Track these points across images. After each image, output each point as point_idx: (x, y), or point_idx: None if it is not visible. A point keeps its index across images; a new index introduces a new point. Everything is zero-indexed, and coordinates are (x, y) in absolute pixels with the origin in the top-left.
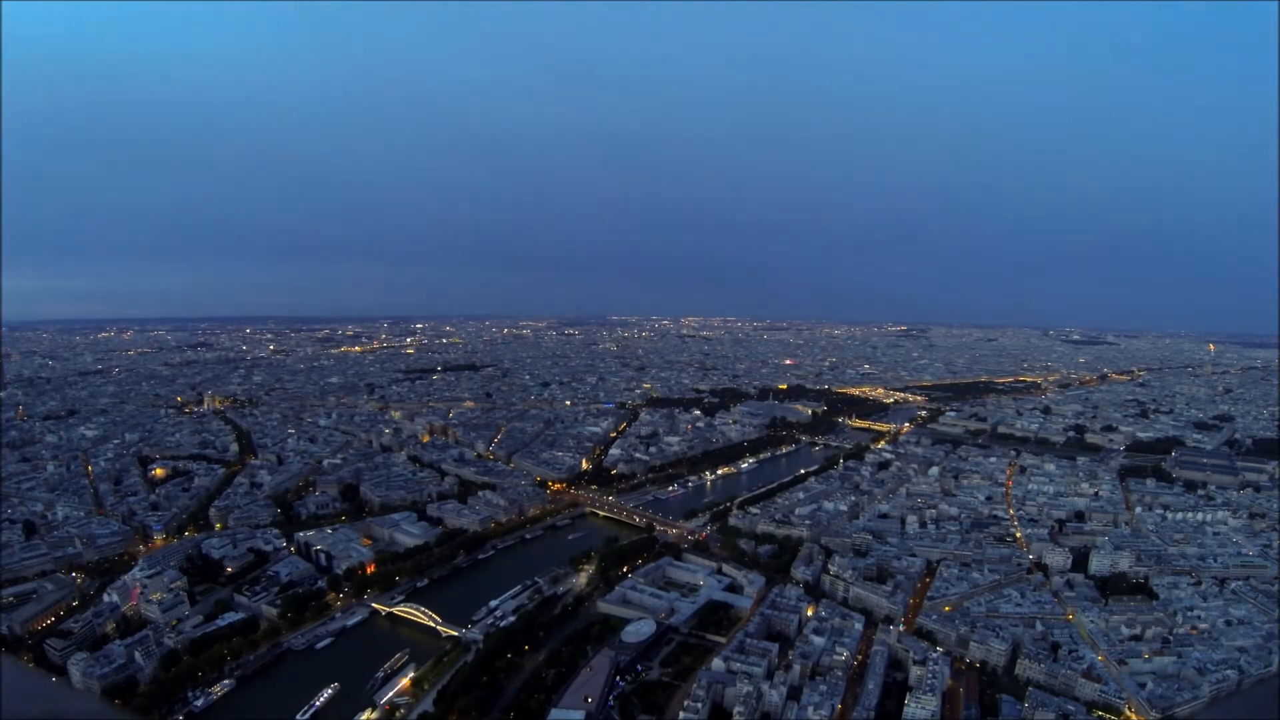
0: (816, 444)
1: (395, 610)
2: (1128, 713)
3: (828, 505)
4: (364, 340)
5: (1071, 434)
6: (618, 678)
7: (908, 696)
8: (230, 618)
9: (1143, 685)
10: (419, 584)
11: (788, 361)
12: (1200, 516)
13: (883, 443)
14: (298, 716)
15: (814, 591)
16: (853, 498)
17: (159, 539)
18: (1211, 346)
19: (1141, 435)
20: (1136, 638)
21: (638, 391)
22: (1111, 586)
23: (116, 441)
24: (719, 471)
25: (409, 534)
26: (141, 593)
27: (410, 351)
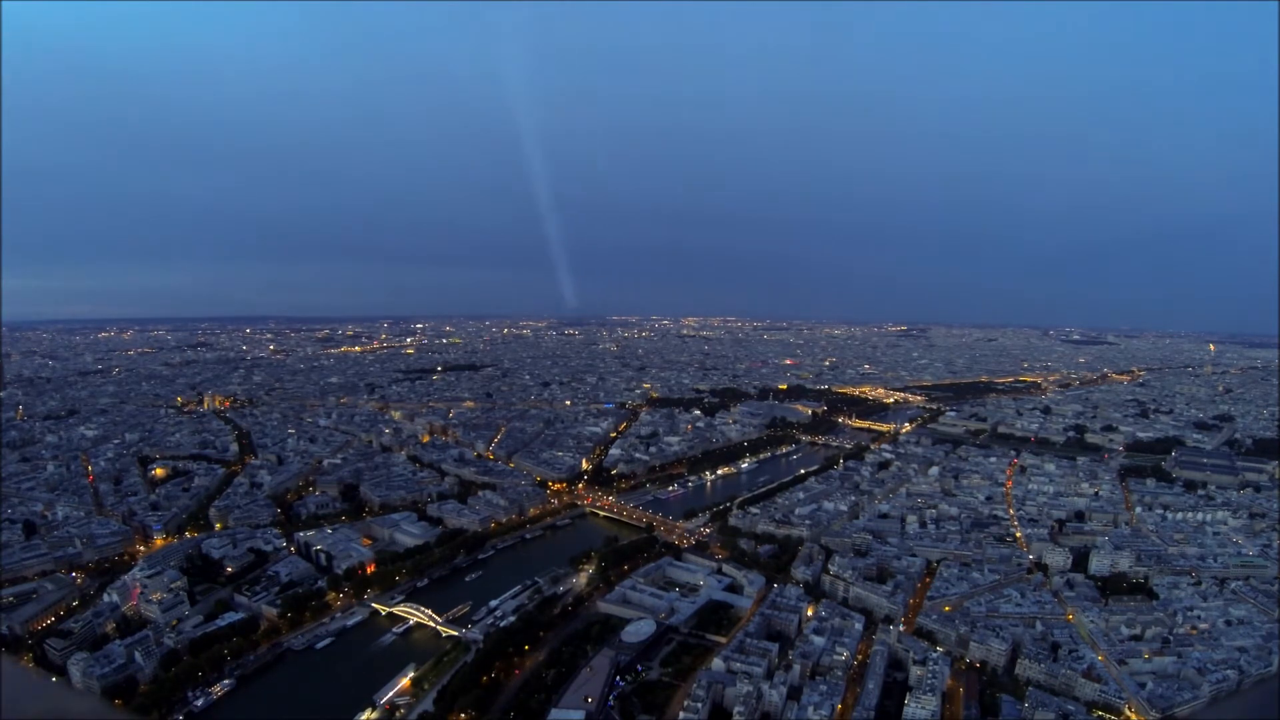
0: (816, 444)
1: (395, 610)
2: (1128, 713)
3: (828, 505)
4: (364, 340)
5: (1071, 434)
6: (618, 678)
7: (908, 696)
8: (230, 618)
9: (1143, 685)
10: (419, 584)
11: (788, 361)
12: (1200, 516)
13: (883, 443)
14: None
15: (814, 591)
16: (853, 498)
17: (159, 539)
18: (1211, 346)
19: (1141, 435)
20: (1136, 638)
21: (638, 391)
22: (1111, 586)
23: (116, 441)
24: (719, 471)
25: (409, 534)
26: (141, 593)
27: (410, 351)
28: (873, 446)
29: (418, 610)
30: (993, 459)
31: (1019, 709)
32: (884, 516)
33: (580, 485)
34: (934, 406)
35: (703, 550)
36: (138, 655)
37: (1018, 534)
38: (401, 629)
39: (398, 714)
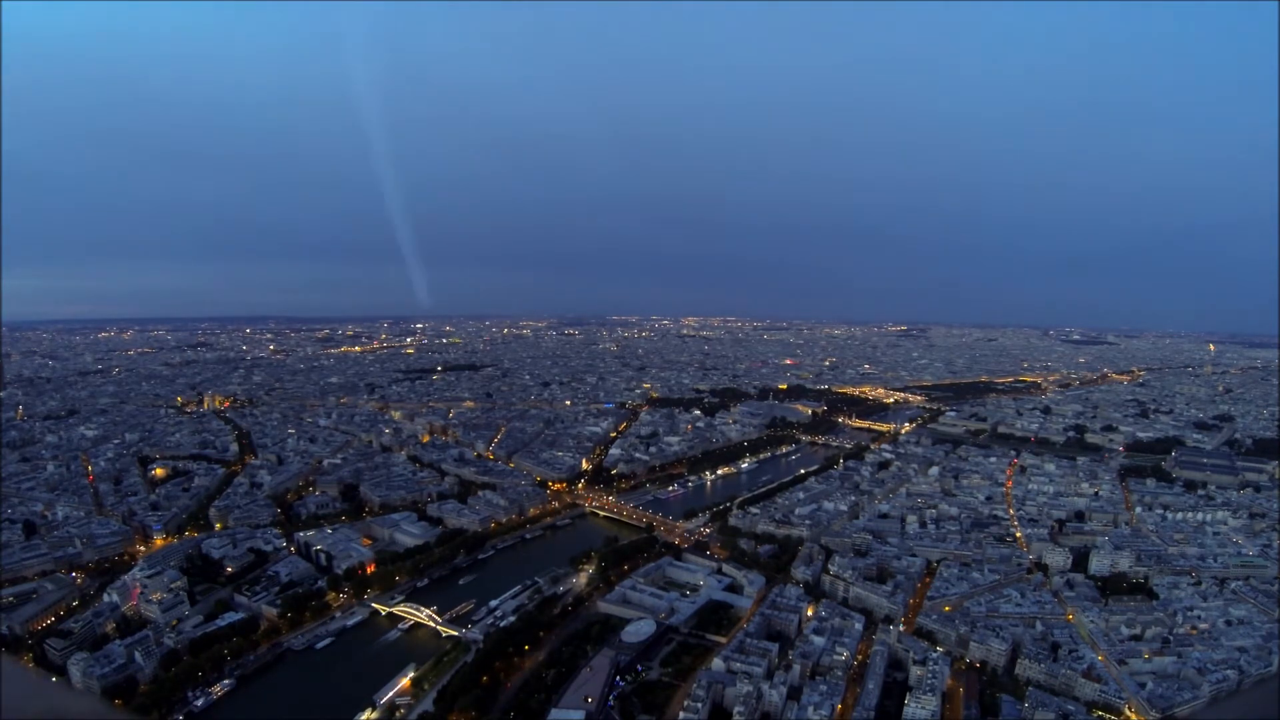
0: (816, 444)
1: (395, 610)
2: (1128, 713)
3: (828, 505)
4: (364, 340)
5: (1071, 434)
6: (618, 678)
7: (908, 696)
8: (230, 618)
9: (1143, 685)
10: (419, 584)
11: (788, 361)
12: (1200, 516)
13: (883, 443)
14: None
15: (814, 591)
16: (853, 498)
17: (159, 539)
18: (1211, 346)
19: (1141, 435)
20: (1136, 638)
21: (638, 391)
22: (1111, 586)
23: (116, 441)
24: (719, 471)
25: (409, 534)
26: (141, 592)
27: (410, 351)
28: (873, 446)
29: (418, 610)
30: (993, 459)
31: (1019, 709)
32: (884, 516)
33: (580, 485)
34: (934, 406)
35: (703, 550)
36: (138, 655)
37: (1018, 534)
38: (401, 629)
39: (398, 714)
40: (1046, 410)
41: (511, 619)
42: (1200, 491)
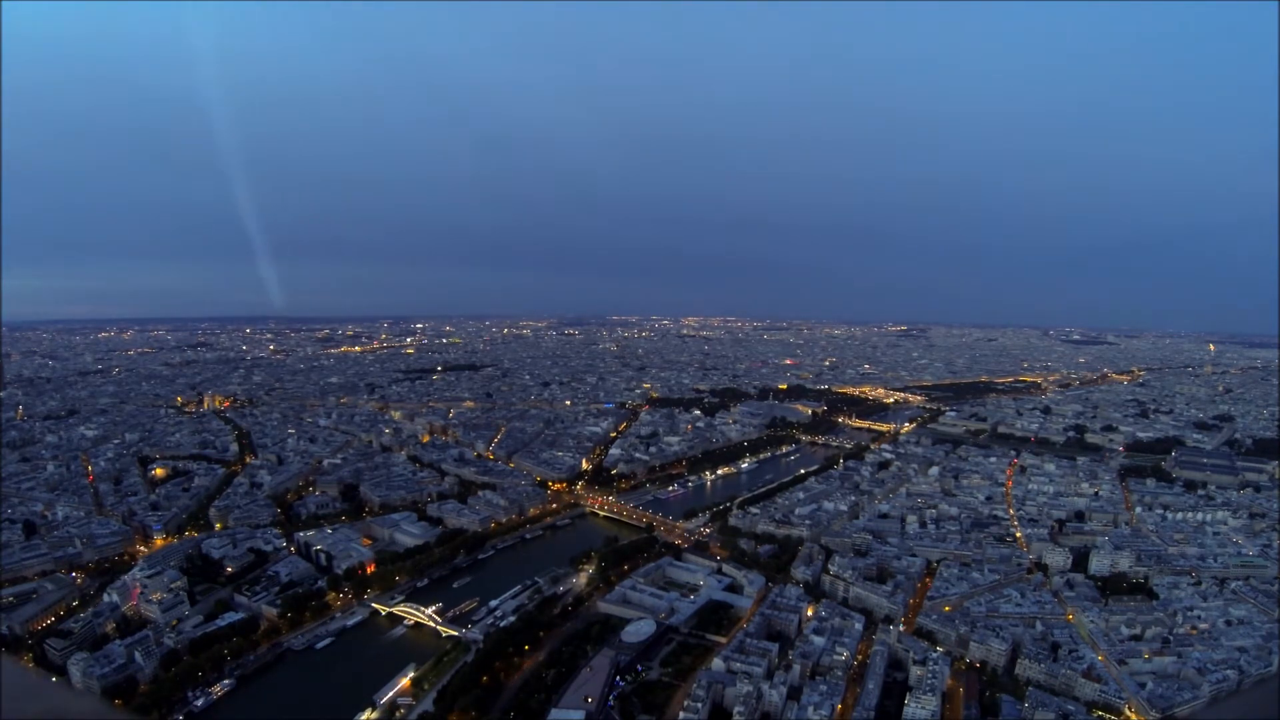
0: (816, 444)
1: (395, 610)
2: (1128, 713)
3: (828, 505)
4: (364, 340)
5: (1071, 434)
6: (618, 677)
7: (908, 696)
8: (230, 618)
9: (1143, 685)
10: (419, 584)
11: (788, 361)
12: (1200, 516)
13: (883, 443)
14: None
15: (814, 591)
16: (853, 498)
17: (159, 539)
18: (1211, 346)
19: (1141, 435)
20: (1136, 638)
21: (638, 391)
22: (1111, 586)
23: (116, 441)
24: (719, 471)
25: (409, 534)
26: (141, 593)
27: (410, 351)
28: (873, 446)
29: (418, 610)
30: (993, 459)
31: (1019, 709)
32: (884, 516)
33: (580, 485)
34: (934, 406)
35: (703, 550)
36: (138, 655)
37: (1018, 534)
38: (401, 629)
39: (398, 714)
40: (1046, 410)
41: (511, 619)
42: (1200, 491)
